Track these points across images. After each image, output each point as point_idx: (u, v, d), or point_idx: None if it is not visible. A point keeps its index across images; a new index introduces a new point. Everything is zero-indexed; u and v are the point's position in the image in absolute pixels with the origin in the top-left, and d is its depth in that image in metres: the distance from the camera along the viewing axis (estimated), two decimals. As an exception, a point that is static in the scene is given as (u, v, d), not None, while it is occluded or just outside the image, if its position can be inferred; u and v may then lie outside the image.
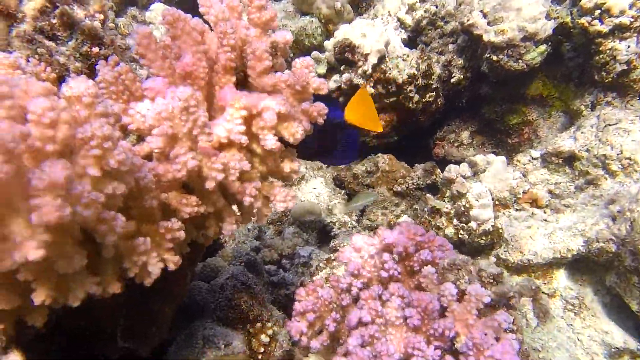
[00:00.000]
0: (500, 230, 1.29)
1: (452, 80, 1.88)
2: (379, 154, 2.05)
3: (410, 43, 2.05)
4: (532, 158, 1.69)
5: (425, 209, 1.57)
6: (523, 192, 1.32)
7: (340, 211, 1.84)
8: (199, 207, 0.66)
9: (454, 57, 1.84)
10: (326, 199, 1.94)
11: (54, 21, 0.69)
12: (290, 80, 0.78)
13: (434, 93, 1.88)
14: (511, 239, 1.25)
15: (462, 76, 1.86)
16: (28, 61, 0.71)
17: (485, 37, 1.57)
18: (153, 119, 0.61)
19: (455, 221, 1.40)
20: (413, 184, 1.94)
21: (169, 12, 0.71)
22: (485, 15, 1.56)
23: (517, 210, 1.32)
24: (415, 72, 1.74)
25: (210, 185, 0.65)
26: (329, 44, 1.76)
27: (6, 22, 0.67)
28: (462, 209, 1.35)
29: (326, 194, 1.97)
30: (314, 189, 1.96)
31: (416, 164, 1.99)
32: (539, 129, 1.79)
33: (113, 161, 0.48)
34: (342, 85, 1.75)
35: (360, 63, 1.68)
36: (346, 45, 1.61)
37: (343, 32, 1.72)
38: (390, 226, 1.81)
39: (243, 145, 0.72)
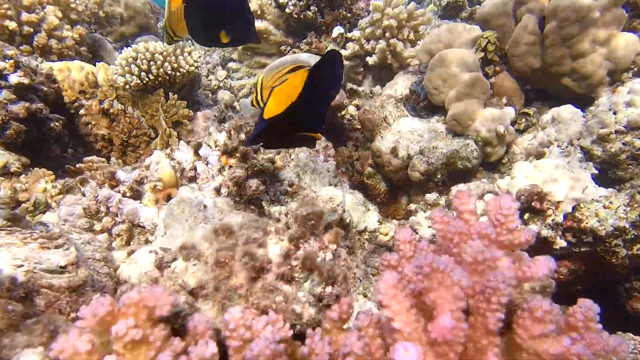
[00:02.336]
0: None
1: (671, 230, 1.46)
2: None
3: (599, 177, 1.71)
4: None
5: None
6: None
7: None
8: None
9: (674, 202, 1.44)
10: None
11: (295, 264, 0.58)
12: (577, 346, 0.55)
13: (645, 245, 1.47)
14: None
15: (686, 227, 1.43)
16: (267, 313, 0.61)
17: None
18: None
19: None
20: None
21: (426, 261, 0.57)
22: None
23: None
24: (626, 225, 1.38)
25: None
26: (505, 185, 1.53)
27: (254, 275, 0.58)
28: None
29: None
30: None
31: (618, 333, 1.53)
32: None
33: None
34: (525, 236, 1.46)
35: (550, 212, 1.41)
36: (535, 194, 1.37)
37: (524, 174, 1.48)
38: None
39: None
